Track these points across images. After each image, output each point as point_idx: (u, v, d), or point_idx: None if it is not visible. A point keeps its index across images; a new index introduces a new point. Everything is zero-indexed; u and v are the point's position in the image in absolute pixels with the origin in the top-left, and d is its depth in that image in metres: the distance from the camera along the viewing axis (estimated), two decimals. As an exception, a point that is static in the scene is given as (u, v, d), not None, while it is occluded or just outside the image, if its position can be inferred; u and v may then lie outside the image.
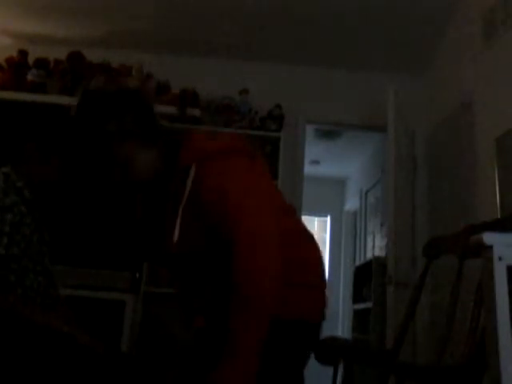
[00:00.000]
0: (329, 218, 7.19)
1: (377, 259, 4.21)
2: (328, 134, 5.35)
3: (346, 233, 6.81)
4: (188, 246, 1.33)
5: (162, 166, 1.37)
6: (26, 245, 1.53)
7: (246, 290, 1.18)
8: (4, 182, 1.55)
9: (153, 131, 1.37)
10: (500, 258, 0.99)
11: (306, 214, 5.22)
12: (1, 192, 1.51)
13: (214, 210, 1.27)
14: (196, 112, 3.65)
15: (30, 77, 3.64)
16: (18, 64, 3.69)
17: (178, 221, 1.30)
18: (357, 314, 4.75)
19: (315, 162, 6.24)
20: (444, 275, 2.65)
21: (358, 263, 5.45)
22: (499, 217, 2.63)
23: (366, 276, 4.37)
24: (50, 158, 1.63)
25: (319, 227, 7.31)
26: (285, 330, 1.30)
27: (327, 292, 1.45)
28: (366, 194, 5.86)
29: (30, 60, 3.72)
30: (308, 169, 4.43)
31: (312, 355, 1.51)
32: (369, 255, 5.33)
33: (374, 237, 5.35)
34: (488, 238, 1.00)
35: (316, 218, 7.25)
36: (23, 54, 3.72)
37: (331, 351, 1.63)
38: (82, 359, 1.35)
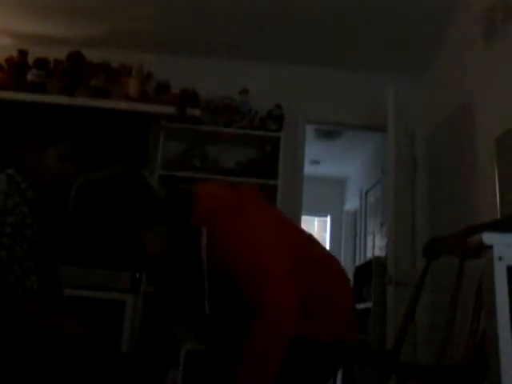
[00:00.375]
0: (329, 218, 7.18)
1: (377, 259, 4.20)
2: (328, 133, 5.35)
3: (346, 233, 6.81)
4: (218, 309, 1.36)
5: (172, 241, 1.38)
6: (28, 246, 1.53)
7: (259, 353, 1.22)
8: (7, 184, 1.54)
9: (155, 209, 1.37)
10: (500, 258, 0.98)
11: (306, 214, 5.22)
12: (3, 194, 1.50)
13: (232, 275, 1.29)
14: (196, 112, 3.65)
15: (30, 77, 3.64)
16: (18, 64, 3.69)
17: (206, 295, 1.33)
18: (357, 314, 4.74)
19: (315, 162, 6.24)
20: (444, 275, 2.65)
21: (358, 263, 5.44)
22: (499, 217, 2.63)
23: (366, 276, 4.37)
24: (47, 156, 1.62)
25: (319, 227, 7.31)
26: (306, 351, 1.32)
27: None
28: (366, 194, 5.86)
29: (30, 60, 3.72)
30: (308, 169, 4.43)
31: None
32: (369, 255, 5.32)
33: (374, 237, 5.35)
34: (488, 238, 1.00)
35: (316, 218, 7.25)
36: (23, 53, 3.71)
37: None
38: (81, 359, 1.34)
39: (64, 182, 1.62)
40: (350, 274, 5.60)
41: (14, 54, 3.72)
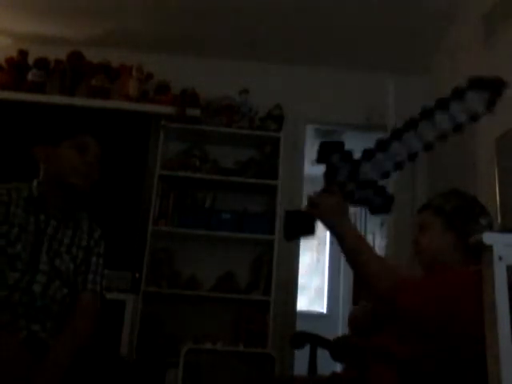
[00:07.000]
0: (329, 218, 7.16)
1: (377, 259, 4.19)
2: (328, 133, 5.34)
3: (346, 233, 6.79)
4: None
5: None
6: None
7: None
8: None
9: None
10: (500, 258, 0.98)
11: (306, 214, 5.19)
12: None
13: None
14: (196, 112, 3.65)
15: (30, 77, 3.64)
16: (18, 64, 3.69)
17: None
18: (357, 314, 4.73)
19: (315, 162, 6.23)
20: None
21: (358, 263, 5.43)
22: (499, 217, 2.63)
23: (366, 276, 4.36)
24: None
25: (319, 227, 7.29)
26: None
27: None
28: (366, 194, 5.84)
29: (30, 60, 3.72)
30: (308, 169, 4.42)
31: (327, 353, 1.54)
32: (369, 255, 5.31)
33: (374, 237, 5.34)
34: (488, 237, 1.00)
35: (316, 218, 7.24)
36: (23, 54, 3.71)
37: (345, 350, 1.66)
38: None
39: (87, 176, 1.61)
40: (351, 274, 5.60)
41: (14, 54, 3.72)
